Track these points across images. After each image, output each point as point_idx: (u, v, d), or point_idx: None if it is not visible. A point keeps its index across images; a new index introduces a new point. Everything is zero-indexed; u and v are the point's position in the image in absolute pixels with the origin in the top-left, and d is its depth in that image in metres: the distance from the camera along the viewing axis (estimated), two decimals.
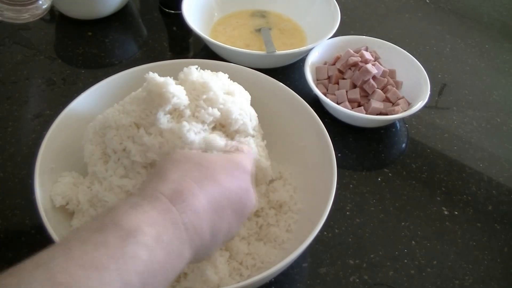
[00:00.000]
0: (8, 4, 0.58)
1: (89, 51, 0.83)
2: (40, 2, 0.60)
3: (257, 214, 0.57)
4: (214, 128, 0.54)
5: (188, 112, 0.51)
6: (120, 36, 0.88)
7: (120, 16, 0.90)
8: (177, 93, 0.50)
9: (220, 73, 0.58)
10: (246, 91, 0.58)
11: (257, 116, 0.58)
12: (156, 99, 0.50)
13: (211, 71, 0.57)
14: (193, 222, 0.38)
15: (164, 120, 0.50)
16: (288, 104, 0.63)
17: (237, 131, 0.54)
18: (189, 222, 0.38)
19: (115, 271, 0.32)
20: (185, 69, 0.56)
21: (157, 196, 0.38)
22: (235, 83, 0.58)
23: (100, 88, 0.61)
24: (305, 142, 0.60)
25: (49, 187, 0.53)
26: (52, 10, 0.90)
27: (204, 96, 0.53)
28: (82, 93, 0.59)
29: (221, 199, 0.42)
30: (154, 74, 0.51)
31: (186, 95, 0.52)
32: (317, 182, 0.56)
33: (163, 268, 0.35)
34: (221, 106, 0.52)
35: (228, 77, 0.58)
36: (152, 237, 0.35)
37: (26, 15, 0.60)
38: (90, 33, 0.86)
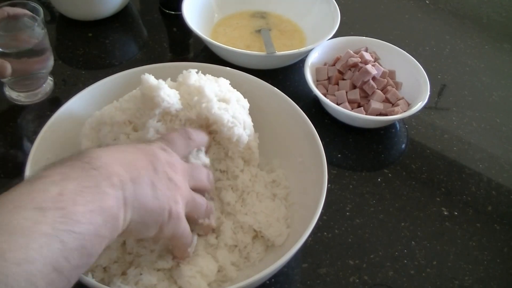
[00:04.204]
0: (23, 92, 0.72)
1: (90, 52, 0.83)
2: (44, 85, 0.74)
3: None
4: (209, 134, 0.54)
5: (179, 119, 0.52)
6: (120, 37, 0.88)
7: (121, 17, 0.90)
8: (167, 98, 0.50)
9: (221, 79, 0.58)
10: (246, 99, 0.58)
11: (257, 124, 0.58)
12: (147, 102, 0.50)
13: (213, 75, 0.58)
14: (99, 163, 0.39)
15: (151, 131, 0.50)
16: (289, 117, 0.62)
17: (229, 139, 0.54)
18: (95, 163, 0.39)
19: (28, 198, 0.35)
20: (184, 71, 0.56)
21: (65, 158, 0.41)
22: (235, 90, 0.58)
23: (100, 86, 0.61)
24: (302, 157, 0.59)
25: None
26: (52, 11, 0.90)
27: (196, 98, 0.53)
28: (82, 91, 0.60)
29: (131, 154, 0.44)
30: (149, 76, 0.51)
31: (180, 99, 0.52)
32: (309, 185, 0.56)
33: (80, 197, 0.36)
34: (213, 112, 0.53)
35: (230, 83, 0.58)
36: (59, 176, 0.37)
37: (39, 96, 0.73)
38: (90, 34, 0.87)
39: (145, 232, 0.44)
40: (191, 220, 0.50)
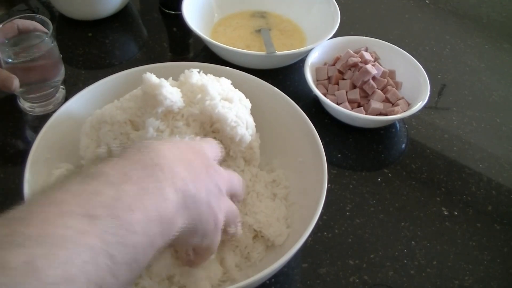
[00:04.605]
0: (37, 102, 0.71)
1: (90, 52, 0.83)
2: (57, 95, 0.73)
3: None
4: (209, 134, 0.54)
5: (181, 115, 0.52)
6: (120, 37, 0.88)
7: (120, 16, 0.90)
8: (170, 96, 0.50)
9: (223, 79, 0.58)
10: (248, 99, 0.58)
11: (258, 124, 0.58)
12: (149, 100, 0.50)
13: (214, 76, 0.58)
14: (163, 161, 0.36)
15: (151, 130, 0.50)
16: (289, 117, 0.61)
17: (231, 138, 0.54)
18: (158, 161, 0.35)
19: (77, 201, 0.30)
20: (186, 71, 0.56)
21: (124, 150, 0.38)
22: (237, 90, 0.58)
23: (101, 86, 0.61)
24: (302, 157, 0.59)
25: (43, 177, 0.54)
26: (52, 11, 0.90)
27: (199, 96, 0.53)
28: (82, 91, 0.60)
29: (187, 151, 0.41)
30: (150, 75, 0.51)
31: (182, 97, 0.52)
32: (309, 185, 0.56)
33: (140, 202, 0.32)
34: (216, 111, 0.52)
35: (231, 83, 0.58)
36: (118, 177, 0.33)
37: (51, 107, 0.72)
38: (90, 34, 0.87)
39: (189, 240, 0.40)
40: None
